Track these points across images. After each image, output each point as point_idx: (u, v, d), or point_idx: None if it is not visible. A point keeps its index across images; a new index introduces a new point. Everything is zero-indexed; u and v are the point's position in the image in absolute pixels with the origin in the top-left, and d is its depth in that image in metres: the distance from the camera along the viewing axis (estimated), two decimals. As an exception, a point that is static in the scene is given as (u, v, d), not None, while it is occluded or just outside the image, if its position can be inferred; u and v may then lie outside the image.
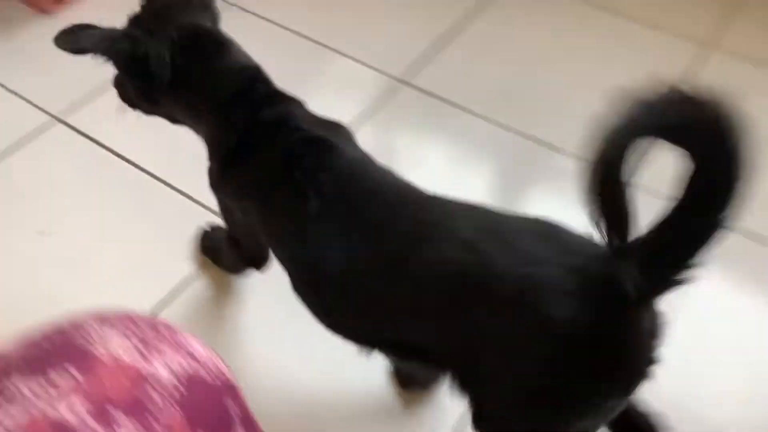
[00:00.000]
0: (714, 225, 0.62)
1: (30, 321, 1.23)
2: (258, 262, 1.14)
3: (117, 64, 0.97)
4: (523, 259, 0.74)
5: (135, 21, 0.99)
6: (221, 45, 0.99)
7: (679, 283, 0.66)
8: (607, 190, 0.65)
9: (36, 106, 1.59)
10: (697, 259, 0.64)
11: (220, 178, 1.00)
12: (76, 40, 0.92)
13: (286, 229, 0.93)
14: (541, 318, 0.71)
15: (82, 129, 1.54)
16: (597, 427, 0.81)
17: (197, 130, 1.04)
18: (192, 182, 1.38)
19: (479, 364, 0.79)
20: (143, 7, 1.01)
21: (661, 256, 0.66)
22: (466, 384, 0.82)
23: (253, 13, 1.84)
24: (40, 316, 0.67)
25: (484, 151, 1.55)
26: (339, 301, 0.90)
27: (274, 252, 0.99)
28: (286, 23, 1.82)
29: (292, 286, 0.94)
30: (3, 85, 1.64)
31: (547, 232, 0.77)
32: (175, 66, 0.95)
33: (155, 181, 1.44)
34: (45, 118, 1.57)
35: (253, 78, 0.99)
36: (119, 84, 1.06)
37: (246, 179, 0.96)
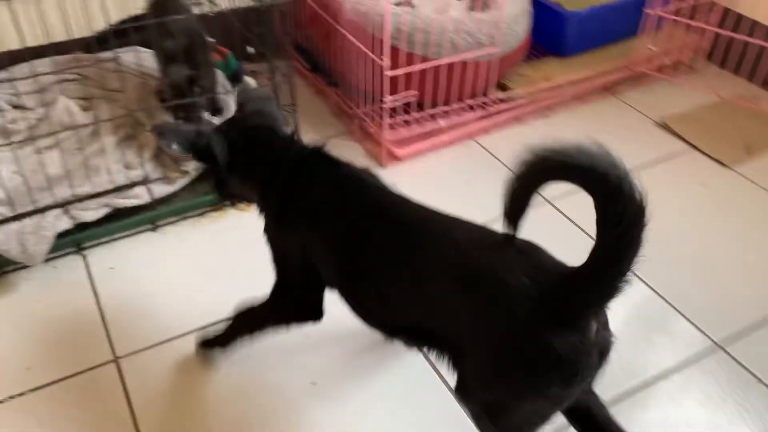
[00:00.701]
0: (625, 262, 0.81)
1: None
2: (312, 307, 1.26)
3: (192, 153, 1.21)
4: (503, 266, 0.93)
5: (216, 127, 1.25)
6: (270, 132, 1.23)
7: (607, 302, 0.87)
8: (516, 204, 0.92)
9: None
10: (626, 272, 0.82)
11: (277, 220, 1.21)
12: (170, 138, 1.20)
13: (338, 237, 1.12)
14: (510, 314, 0.90)
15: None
16: (547, 411, 0.98)
17: (254, 196, 1.25)
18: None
19: (463, 344, 0.99)
20: (230, 119, 1.29)
21: (596, 285, 0.85)
22: (455, 361, 1.03)
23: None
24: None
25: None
26: (370, 293, 1.11)
27: (327, 268, 1.16)
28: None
29: (337, 287, 1.18)
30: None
31: (527, 249, 0.96)
32: (234, 149, 1.20)
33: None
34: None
35: (290, 143, 1.23)
36: (213, 181, 1.31)
37: (299, 210, 1.17)
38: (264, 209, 1.24)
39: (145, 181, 1.72)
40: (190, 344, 1.43)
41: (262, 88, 1.34)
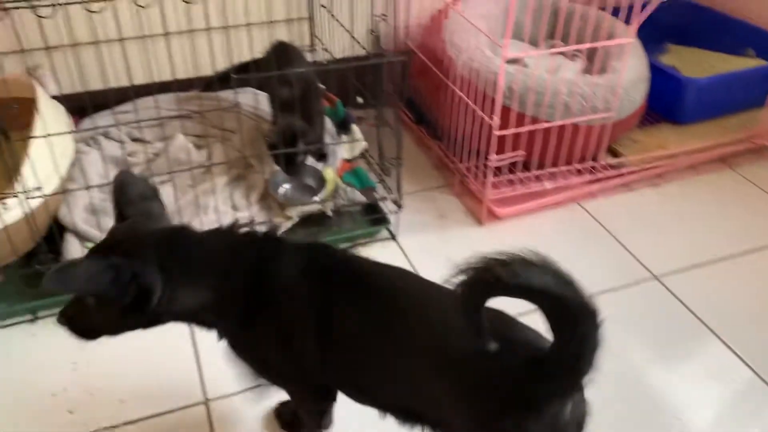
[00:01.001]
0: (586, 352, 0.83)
1: None
2: (322, 395, 1.21)
3: (105, 296, 0.96)
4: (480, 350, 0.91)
5: (110, 243, 1.01)
6: (191, 233, 1.08)
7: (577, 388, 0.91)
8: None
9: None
10: (588, 370, 0.85)
11: (246, 325, 1.08)
12: (66, 282, 0.93)
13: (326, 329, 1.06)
14: (485, 401, 0.92)
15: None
16: None
17: (200, 317, 1.09)
18: None
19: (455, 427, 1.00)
20: (116, 225, 1.06)
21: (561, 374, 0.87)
22: None
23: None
24: None
25: None
26: (351, 372, 1.10)
27: (306, 353, 1.08)
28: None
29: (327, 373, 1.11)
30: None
31: (499, 325, 0.95)
32: (165, 271, 0.98)
33: None
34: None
35: (228, 237, 1.12)
36: (79, 317, 1.03)
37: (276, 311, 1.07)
38: (222, 322, 1.10)
39: (250, 224, 1.75)
40: (279, 393, 1.42)
41: (141, 180, 1.13)
